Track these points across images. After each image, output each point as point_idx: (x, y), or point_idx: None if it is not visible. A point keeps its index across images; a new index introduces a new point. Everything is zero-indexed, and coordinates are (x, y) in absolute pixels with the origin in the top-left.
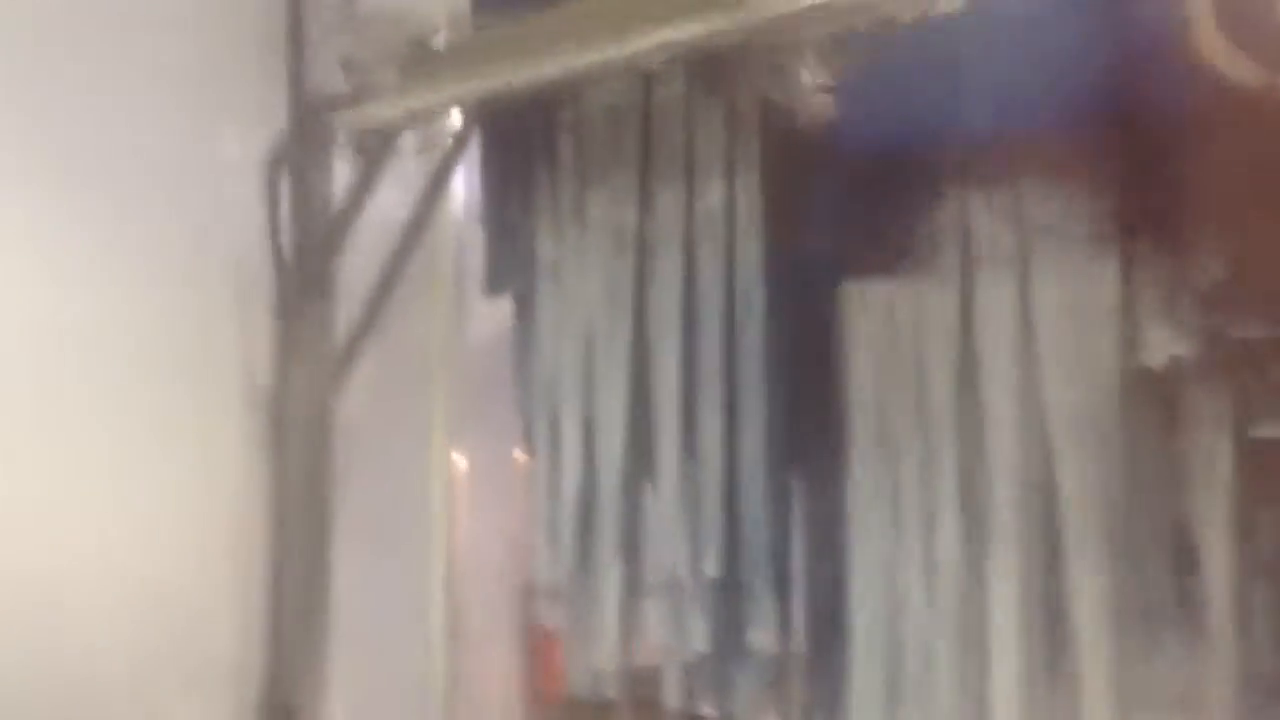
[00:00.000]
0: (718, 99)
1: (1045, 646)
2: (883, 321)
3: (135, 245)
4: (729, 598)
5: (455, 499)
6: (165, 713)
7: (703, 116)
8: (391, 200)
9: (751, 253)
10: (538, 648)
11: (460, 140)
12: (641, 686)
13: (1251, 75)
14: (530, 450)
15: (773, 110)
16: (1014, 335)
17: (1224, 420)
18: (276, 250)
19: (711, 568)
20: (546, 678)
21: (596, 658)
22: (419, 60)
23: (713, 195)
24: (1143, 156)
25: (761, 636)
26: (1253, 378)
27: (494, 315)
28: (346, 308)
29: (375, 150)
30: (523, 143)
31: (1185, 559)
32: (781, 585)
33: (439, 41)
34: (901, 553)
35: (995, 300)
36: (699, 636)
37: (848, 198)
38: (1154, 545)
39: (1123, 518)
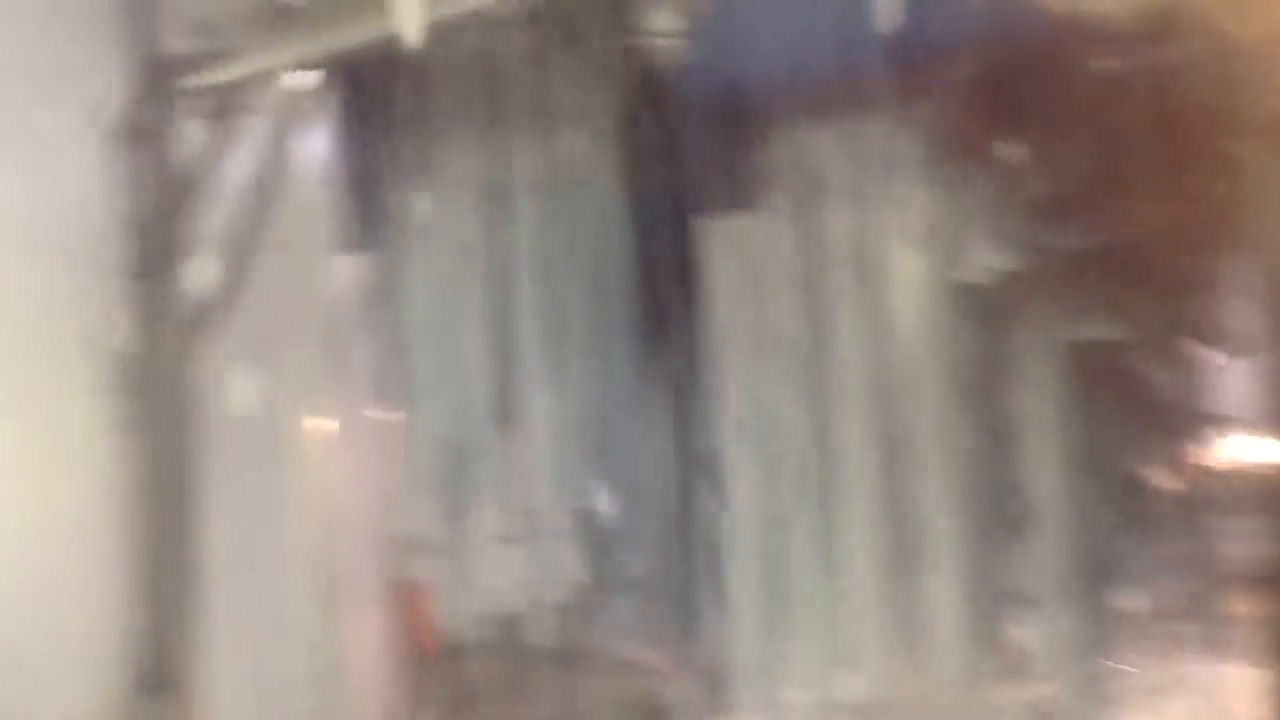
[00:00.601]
0: (572, 47)
1: (898, 544)
2: (736, 253)
3: None
4: (604, 530)
5: (320, 459)
6: (43, 696)
7: (558, 64)
8: (244, 161)
9: (610, 195)
10: (410, 600)
11: (313, 99)
12: (517, 629)
13: (1061, 4)
14: (394, 404)
15: (627, 55)
16: (854, 258)
17: (1046, 326)
18: (129, 216)
19: (588, 502)
20: (421, 629)
21: (472, 602)
22: (274, 19)
23: (570, 141)
24: (962, 85)
25: (638, 565)
26: (1071, 286)
27: (350, 273)
28: (203, 270)
29: (228, 111)
30: (377, 99)
31: (1014, 452)
32: (655, 514)
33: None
34: (767, 472)
35: (836, 227)
36: (577, 569)
37: (699, 137)
38: (987, 441)
39: (959, 418)
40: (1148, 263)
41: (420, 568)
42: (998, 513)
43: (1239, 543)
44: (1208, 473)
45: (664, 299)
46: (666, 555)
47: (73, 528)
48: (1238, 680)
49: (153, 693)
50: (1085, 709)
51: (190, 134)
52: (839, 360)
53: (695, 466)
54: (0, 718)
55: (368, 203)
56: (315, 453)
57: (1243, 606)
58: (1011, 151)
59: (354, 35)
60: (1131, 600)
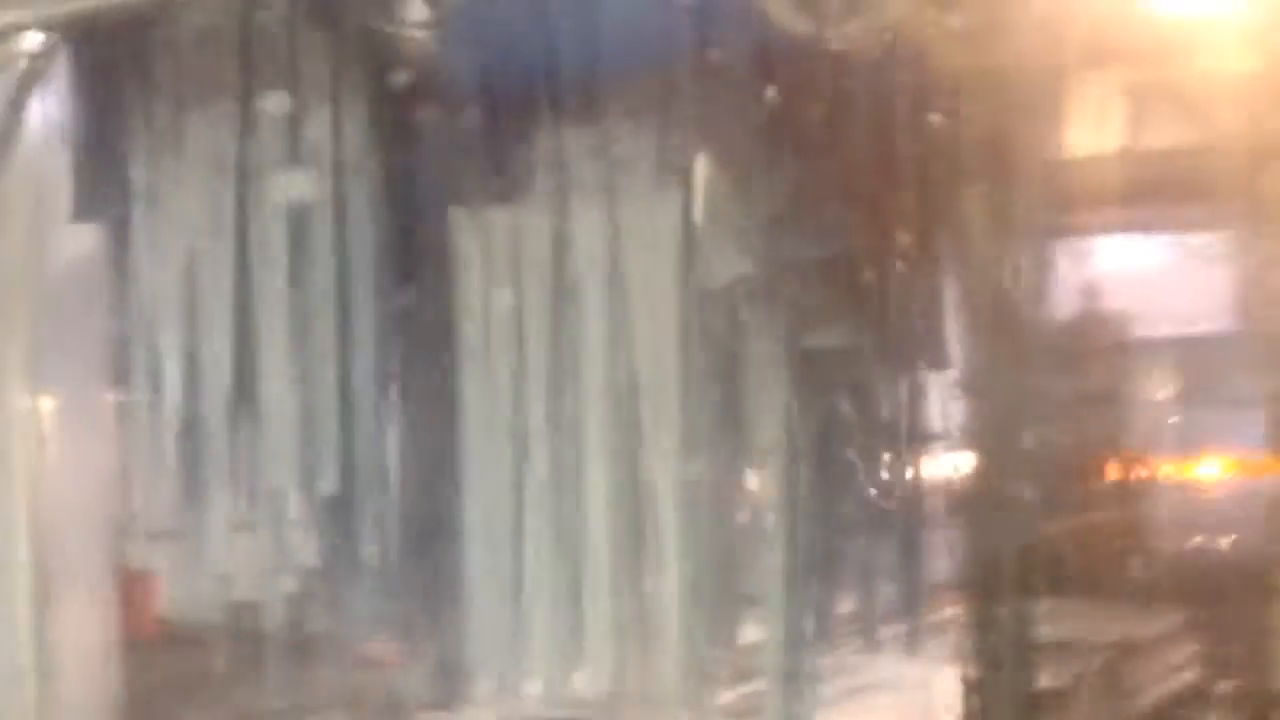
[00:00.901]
0: (322, 26)
1: (632, 541)
2: (487, 245)
3: None
4: (341, 515)
5: (39, 441)
6: None
7: (307, 44)
8: None
9: (360, 180)
10: (129, 588)
11: (41, 61)
12: (246, 617)
13: (806, 28)
14: (126, 384)
15: (378, 41)
16: (602, 256)
17: (779, 331)
18: None
19: (328, 486)
20: (144, 617)
21: (202, 589)
22: None
23: (319, 124)
24: (710, 97)
25: (373, 550)
26: (804, 295)
27: (75, 246)
28: None
29: None
30: (115, 64)
31: (746, 456)
32: (392, 502)
33: None
34: (504, 461)
35: (586, 225)
36: (311, 556)
37: (453, 129)
38: (720, 443)
39: (694, 419)
40: (866, 276)
41: (144, 554)
42: (727, 514)
43: (941, 550)
44: (918, 482)
45: (412, 287)
46: (403, 545)
47: None
48: (938, 680)
49: None
50: (798, 707)
51: None
52: (582, 356)
53: (436, 456)
54: None
55: (103, 171)
56: (39, 434)
57: (943, 611)
58: (750, 163)
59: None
60: (844, 603)
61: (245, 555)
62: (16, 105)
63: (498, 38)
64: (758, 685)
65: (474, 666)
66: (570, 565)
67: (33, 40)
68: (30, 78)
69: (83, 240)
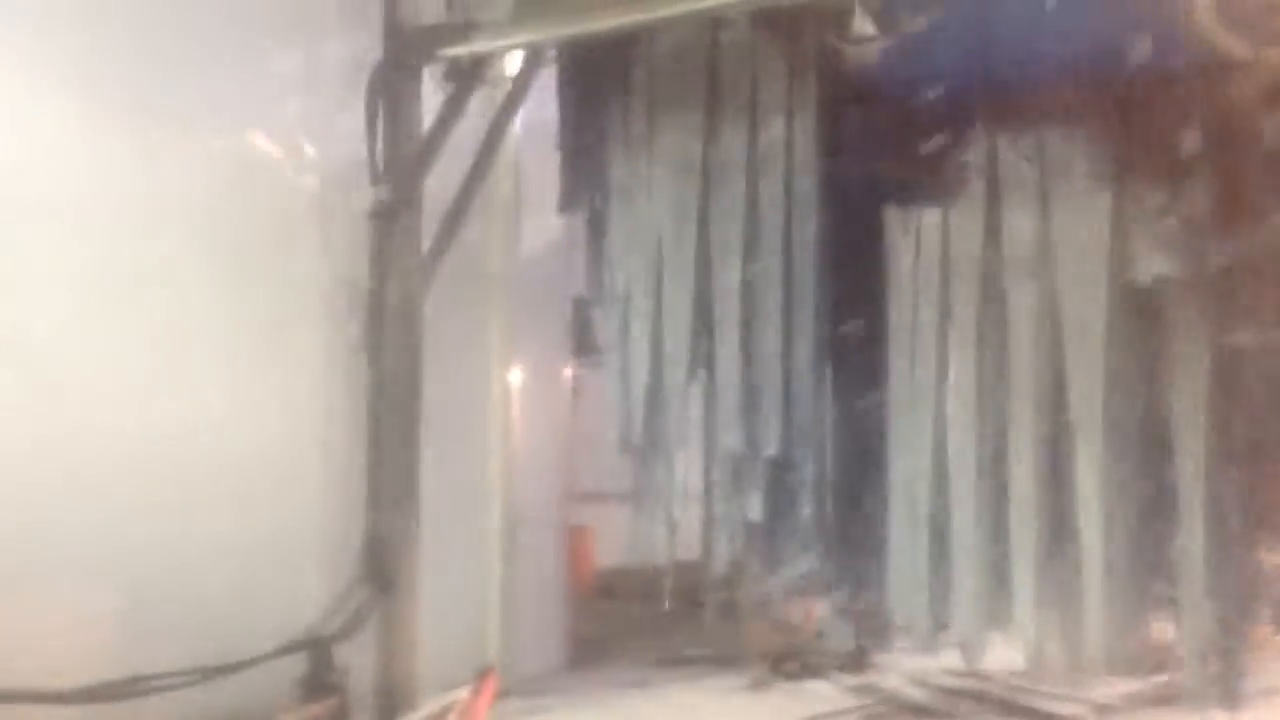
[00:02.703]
0: (779, 43)
1: (1053, 521)
2: (921, 241)
3: (237, 164)
4: (781, 476)
5: (511, 405)
6: (278, 571)
7: (765, 58)
8: (467, 124)
9: (807, 181)
10: (578, 542)
11: (529, 73)
12: (680, 576)
13: (1238, 47)
14: (593, 358)
15: (828, 54)
16: (1031, 254)
17: (1201, 330)
18: (374, 164)
19: (771, 448)
20: (579, 568)
21: (659, 526)
22: (524, 1)
23: (774, 129)
24: (1142, 109)
25: (807, 510)
26: (1225, 295)
27: (556, 234)
28: (430, 220)
29: (466, 78)
30: (600, 76)
31: (1165, 448)
32: (826, 469)
33: None
34: (932, 441)
35: (1016, 225)
36: (754, 508)
37: (892, 135)
38: (1140, 436)
39: (1116, 411)
40: None
41: (588, 513)
42: (1148, 505)
43: None
44: None
45: (848, 277)
46: (834, 509)
47: (314, 438)
48: None
49: (374, 587)
50: (1212, 703)
51: (431, 97)
52: (1013, 346)
53: (868, 431)
54: (249, 595)
55: (585, 170)
56: (512, 401)
57: None
58: (1178, 168)
59: (589, 24)
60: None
61: (691, 516)
62: (503, 115)
63: (938, 51)
64: (1170, 680)
65: (895, 627)
66: (994, 542)
67: (516, 61)
68: (521, 88)
69: (549, 232)
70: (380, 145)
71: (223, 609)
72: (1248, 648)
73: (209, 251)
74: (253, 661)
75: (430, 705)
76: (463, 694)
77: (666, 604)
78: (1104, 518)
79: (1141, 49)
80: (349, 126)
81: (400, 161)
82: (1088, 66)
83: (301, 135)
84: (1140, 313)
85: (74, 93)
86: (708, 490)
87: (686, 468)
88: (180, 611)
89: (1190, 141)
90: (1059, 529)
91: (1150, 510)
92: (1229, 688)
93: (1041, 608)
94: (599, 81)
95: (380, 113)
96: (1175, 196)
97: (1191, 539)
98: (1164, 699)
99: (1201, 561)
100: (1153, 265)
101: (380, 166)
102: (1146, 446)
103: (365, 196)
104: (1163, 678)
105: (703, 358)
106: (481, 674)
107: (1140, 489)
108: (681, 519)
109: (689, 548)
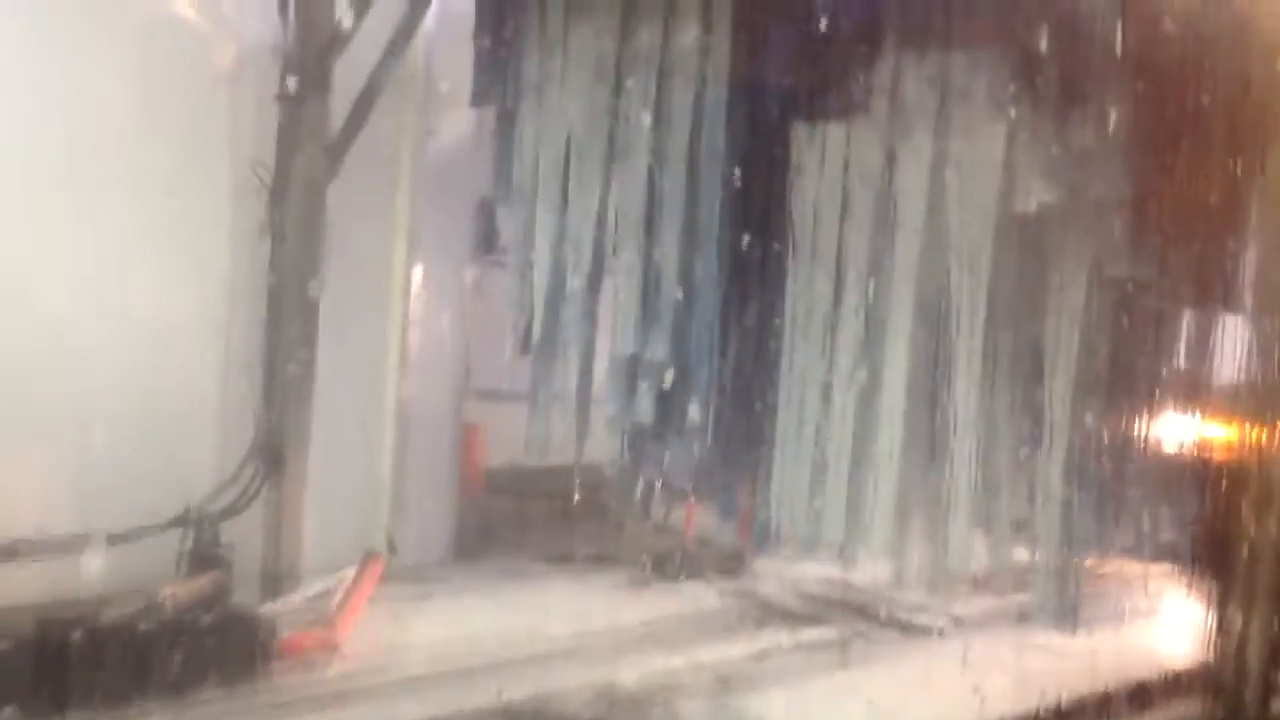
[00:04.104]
0: None
1: (927, 438)
2: (823, 158)
3: (145, 40)
4: (674, 381)
5: (410, 298)
6: (169, 443)
7: None
8: (382, 12)
9: (717, 89)
10: (466, 439)
11: None
12: (565, 474)
13: None
14: (498, 256)
15: None
16: (926, 174)
17: (1079, 260)
18: (285, 47)
19: (662, 353)
20: (470, 463)
21: (556, 426)
22: None
23: (687, 35)
24: (1036, 37)
25: (696, 414)
26: (1106, 227)
27: (462, 131)
28: (338, 106)
29: None
30: None
31: (1036, 369)
32: (717, 375)
33: None
34: (821, 355)
35: (914, 144)
36: (645, 411)
37: (802, 51)
38: (1015, 359)
39: (995, 334)
40: (1178, 215)
41: (481, 411)
42: (1017, 428)
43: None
44: (1203, 415)
45: (753, 188)
46: (721, 414)
47: (214, 317)
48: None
49: (265, 466)
50: (1058, 622)
51: None
52: (901, 264)
53: (760, 339)
54: (140, 467)
55: (500, 67)
56: (411, 295)
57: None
58: (1066, 101)
59: None
60: (1115, 531)
61: (577, 417)
62: (417, 4)
63: None
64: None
65: (775, 532)
66: (868, 455)
67: None
68: None
69: (459, 127)
70: (292, 28)
71: (114, 479)
72: (1090, 572)
73: (119, 112)
74: (140, 532)
75: (315, 585)
76: (346, 575)
77: (564, 502)
78: (975, 437)
79: None
80: (262, 8)
81: (311, 46)
82: None
83: (213, 14)
84: (1024, 240)
85: None
86: (603, 392)
87: (582, 370)
88: (71, 479)
89: (1086, 77)
90: (931, 447)
91: (1018, 433)
92: (1069, 609)
93: (908, 521)
94: None
95: None
96: (1064, 127)
97: (1051, 463)
98: (1021, 616)
99: (1057, 485)
100: (1038, 193)
101: (292, 49)
102: (1019, 370)
103: (275, 79)
104: (1021, 596)
105: (604, 262)
106: (366, 558)
107: (1011, 413)
108: (574, 420)
109: (579, 449)
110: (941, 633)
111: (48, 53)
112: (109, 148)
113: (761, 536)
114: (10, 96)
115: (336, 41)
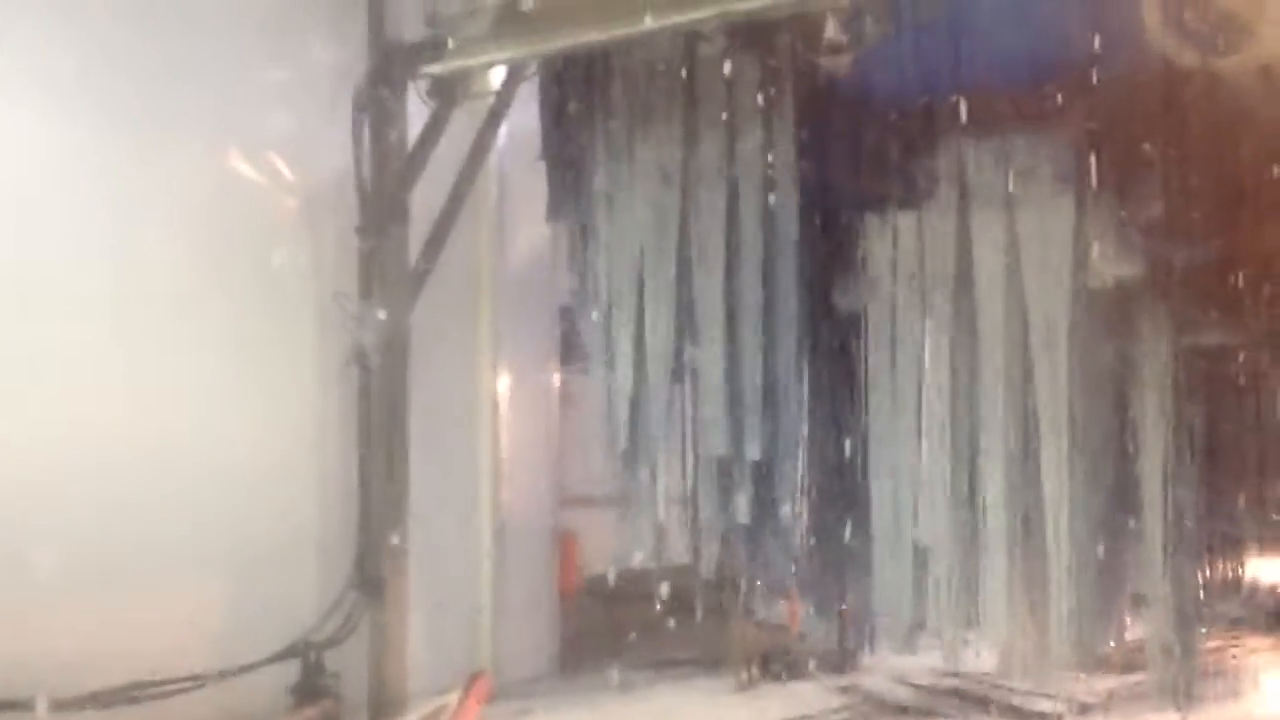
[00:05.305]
0: (754, 55)
1: (1023, 520)
2: (895, 245)
3: (224, 178)
4: (764, 478)
5: (499, 412)
6: (270, 578)
7: (741, 70)
8: (452, 138)
9: (784, 189)
10: (562, 547)
11: (512, 87)
12: (665, 577)
13: (1189, 57)
14: (579, 365)
15: (801, 66)
16: (1000, 257)
17: (1162, 332)
18: (360, 179)
19: (754, 452)
20: (567, 572)
21: (645, 530)
22: (500, 19)
23: (750, 139)
24: (1100, 117)
25: (791, 511)
26: (1184, 296)
27: (529, 247)
28: (417, 232)
29: (449, 93)
30: (580, 89)
31: (1127, 445)
32: (808, 471)
33: (527, 3)
34: (910, 443)
35: (986, 228)
36: (740, 511)
37: (866, 142)
38: (1104, 436)
39: (1081, 411)
40: (1257, 279)
41: (574, 518)
42: (1113, 504)
43: None
44: None
45: (827, 281)
46: (815, 509)
47: (306, 449)
48: None
49: (365, 593)
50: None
51: (415, 112)
52: (983, 348)
53: (849, 432)
54: (243, 602)
55: (567, 178)
56: (500, 408)
57: None
58: (1138, 173)
59: (569, 39)
60: (1226, 606)
61: (674, 519)
62: (487, 128)
63: (907, 56)
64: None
65: (877, 627)
66: (967, 542)
67: (499, 75)
68: (499, 106)
69: (535, 241)
70: (366, 160)
71: (217, 616)
72: (1202, 649)
73: (199, 265)
74: (247, 668)
75: (421, 709)
76: (453, 698)
77: (663, 606)
78: (1069, 517)
79: (1100, 58)
80: (336, 141)
81: (386, 176)
82: (1050, 74)
83: (288, 150)
84: (1104, 315)
85: (62, 106)
86: (693, 494)
87: (672, 472)
88: (175, 619)
89: (1148, 148)
90: (1028, 529)
91: (1115, 509)
92: (1184, 688)
93: (1012, 607)
94: (579, 94)
95: (366, 128)
96: (1134, 201)
97: (1152, 538)
98: (1141, 696)
99: (1160, 561)
100: (1114, 267)
101: (366, 181)
102: (1110, 446)
103: (352, 211)
104: (1139, 675)
105: (686, 364)
106: (472, 678)
107: (1105, 488)
108: (668, 523)
109: (676, 551)
110: (1061, 719)
111: (130, 213)
112: (198, 295)
113: (864, 630)
114: (106, 256)
115: (412, 167)
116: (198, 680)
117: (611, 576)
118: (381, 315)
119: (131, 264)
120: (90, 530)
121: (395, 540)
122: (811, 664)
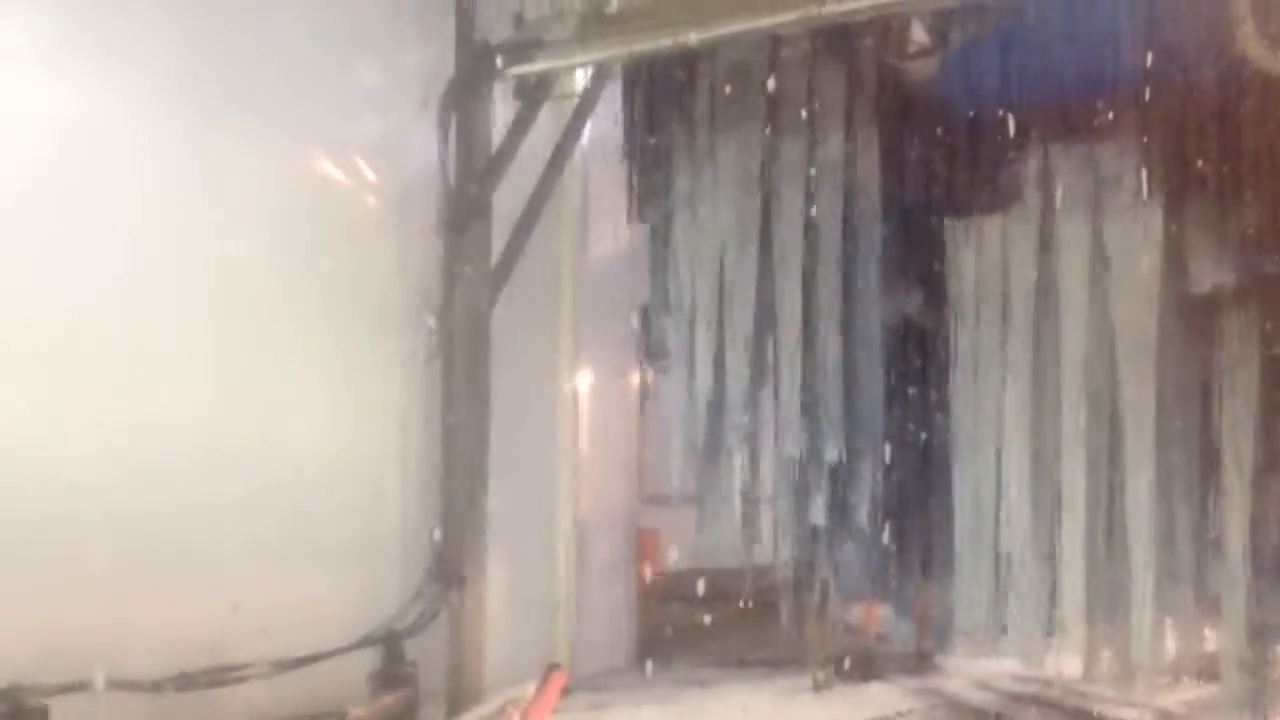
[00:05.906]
0: (837, 59)
1: (1105, 528)
2: (979, 252)
3: (310, 174)
4: (844, 481)
5: (579, 410)
6: (354, 569)
7: (824, 74)
8: (536, 138)
9: (867, 193)
10: (641, 545)
11: (595, 89)
12: (741, 578)
13: (1277, 65)
14: (659, 366)
15: (886, 70)
16: (1086, 264)
17: (1251, 340)
18: (444, 178)
19: (832, 454)
20: (646, 569)
21: (723, 530)
22: (585, 21)
23: (833, 143)
24: (1192, 126)
25: (870, 514)
26: (1272, 306)
27: (611, 246)
28: (498, 231)
29: (534, 94)
30: (664, 92)
31: (1212, 454)
32: (888, 474)
33: (613, 6)
34: (992, 448)
35: (1072, 236)
36: (817, 513)
37: (949, 147)
38: (1189, 445)
39: (1167, 419)
40: None
41: (654, 516)
42: (1197, 514)
43: None
44: None
45: (909, 288)
46: (895, 511)
47: (389, 444)
48: None
49: (445, 585)
50: (1246, 712)
51: (500, 112)
52: (1068, 356)
53: (931, 435)
54: (326, 592)
55: (650, 182)
56: (580, 406)
57: None
58: (1227, 182)
59: (654, 42)
60: None
61: (752, 520)
62: (571, 129)
63: (993, 65)
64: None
65: (955, 630)
66: (1049, 547)
67: (584, 77)
68: (583, 107)
69: (616, 241)
70: (452, 159)
71: (301, 605)
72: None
73: (285, 262)
74: (328, 654)
75: (498, 699)
76: (529, 689)
77: (740, 604)
78: (1154, 526)
79: (1191, 66)
80: (422, 141)
81: (470, 175)
82: (1139, 81)
83: (375, 148)
84: (1192, 323)
85: (152, 106)
86: (772, 495)
87: (751, 473)
88: (260, 607)
89: (1238, 154)
90: (1111, 537)
91: (1196, 519)
92: (1260, 699)
93: (1093, 614)
94: (663, 97)
95: (452, 128)
96: (1223, 210)
97: (1233, 550)
98: (1213, 706)
99: (1239, 573)
100: (1204, 276)
101: (451, 180)
102: (1193, 456)
103: (436, 209)
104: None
105: (766, 366)
106: (548, 670)
107: (1189, 498)
108: (746, 523)
109: (754, 551)
110: None
111: (224, 210)
112: (285, 292)
113: (943, 633)
114: (202, 254)
115: (496, 167)
116: (278, 666)
117: (690, 574)
118: (463, 313)
119: (224, 261)
120: (183, 523)
121: (476, 534)
122: (889, 666)
